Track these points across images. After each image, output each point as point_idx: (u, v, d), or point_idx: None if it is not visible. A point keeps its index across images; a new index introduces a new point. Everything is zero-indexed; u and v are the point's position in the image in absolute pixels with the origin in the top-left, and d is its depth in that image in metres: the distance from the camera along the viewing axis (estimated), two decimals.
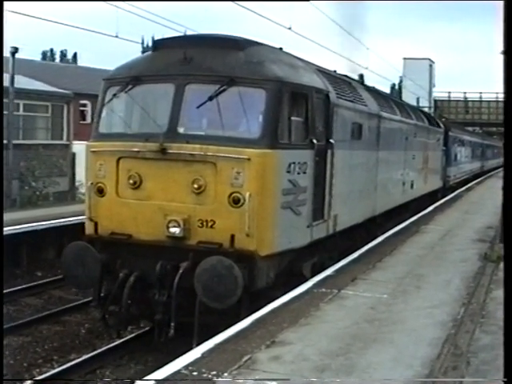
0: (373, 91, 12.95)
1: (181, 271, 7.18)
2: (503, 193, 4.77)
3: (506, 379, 3.80)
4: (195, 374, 4.88)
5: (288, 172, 7.51)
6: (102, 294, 7.85)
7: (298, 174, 7.72)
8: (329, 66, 11.53)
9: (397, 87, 67.31)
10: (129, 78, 7.86)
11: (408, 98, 44.74)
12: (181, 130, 7.48)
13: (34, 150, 21.30)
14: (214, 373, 4.88)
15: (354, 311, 6.76)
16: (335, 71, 11.43)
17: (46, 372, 7.44)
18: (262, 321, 6.33)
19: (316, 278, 8.23)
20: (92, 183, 7.80)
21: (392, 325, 6.32)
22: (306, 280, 8.24)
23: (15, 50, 17.42)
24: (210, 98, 7.37)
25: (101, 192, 7.75)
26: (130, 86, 7.85)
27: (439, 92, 59.03)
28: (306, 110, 7.97)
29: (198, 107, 7.44)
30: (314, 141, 8.04)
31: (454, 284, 8.29)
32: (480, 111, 52.52)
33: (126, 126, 7.96)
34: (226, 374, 4.86)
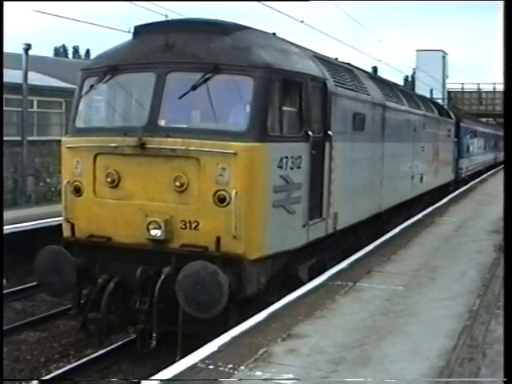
0: (378, 80, 12.24)
1: (162, 277, 6.59)
2: (504, 189, 4.42)
3: (506, 379, 3.72)
4: (211, 367, 4.85)
5: (279, 167, 6.87)
6: (81, 301, 7.31)
7: (291, 169, 7.07)
8: (343, 58, 11.22)
9: (410, 79, 66.64)
10: (107, 67, 7.25)
11: (421, 89, 44.36)
12: (162, 122, 6.86)
13: (48, 147, 21.06)
14: (231, 366, 4.84)
15: (369, 303, 6.71)
16: (336, 59, 10.75)
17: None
18: (278, 314, 6.28)
19: (331, 271, 8.20)
20: (68, 182, 7.22)
21: (407, 317, 6.27)
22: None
23: (28, 47, 17.08)
24: (194, 88, 6.74)
25: (78, 191, 7.16)
26: (108, 77, 7.25)
27: (453, 83, 58.53)
28: (300, 99, 7.31)
29: (180, 98, 6.81)
30: (310, 133, 7.38)
31: (470, 275, 8.19)
32: (494, 102, 51.50)
33: (104, 120, 7.39)
34: (242, 368, 4.83)
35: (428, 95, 35.61)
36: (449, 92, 55.54)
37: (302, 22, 19.05)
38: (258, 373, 4.72)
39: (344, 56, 11.15)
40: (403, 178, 13.31)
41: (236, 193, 6.39)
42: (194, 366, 4.87)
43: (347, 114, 8.97)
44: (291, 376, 4.67)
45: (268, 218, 6.73)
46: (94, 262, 7.10)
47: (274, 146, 6.77)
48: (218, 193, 6.48)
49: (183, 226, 6.64)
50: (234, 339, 5.52)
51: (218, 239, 6.46)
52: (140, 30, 7.50)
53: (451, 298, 7.00)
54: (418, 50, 67.15)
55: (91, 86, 7.34)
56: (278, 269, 7.22)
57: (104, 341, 7.52)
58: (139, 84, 7.22)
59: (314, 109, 7.64)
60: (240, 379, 4.59)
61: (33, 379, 7.05)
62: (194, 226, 6.60)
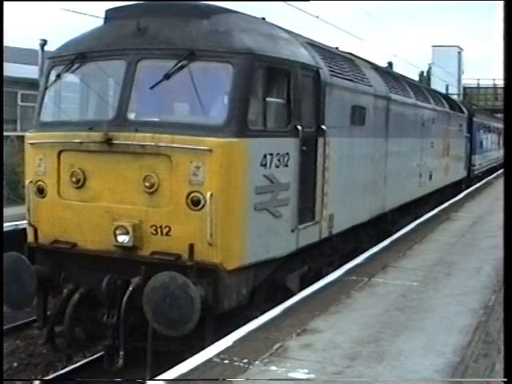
0: (382, 71, 11.43)
1: (131, 288, 5.89)
2: (504, 190, 4.29)
3: (506, 379, 3.69)
4: (226, 362, 4.83)
5: (263, 165, 6.12)
6: (48, 312, 6.64)
7: (277, 167, 6.33)
8: (358, 53, 10.79)
9: (425, 75, 66.06)
10: (74, 55, 6.55)
11: (437, 85, 44.04)
12: (131, 116, 6.15)
13: None
14: (246, 361, 4.82)
15: (384, 299, 6.69)
16: (337, 48, 9.97)
17: None
18: (293, 309, 6.24)
19: (346, 266, 8.19)
20: (31, 181, 6.54)
21: (422, 312, 6.25)
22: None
23: (44, 43, 16.62)
24: (166, 77, 6.03)
25: (41, 192, 6.48)
26: (75, 65, 6.55)
27: (468, 79, 58.02)
28: (288, 89, 6.55)
29: (151, 88, 6.10)
30: (299, 127, 6.63)
31: (485, 271, 8.13)
32: None
33: (70, 113, 6.67)
34: (257, 362, 4.81)
35: (444, 91, 34.97)
36: (464, 88, 55.31)
37: (317, 17, 18.77)
38: (273, 367, 4.71)
39: (360, 51, 10.64)
40: (410, 175, 12.50)
41: (211, 195, 5.67)
42: (209, 361, 4.86)
43: (345, 107, 8.20)
44: (307, 371, 4.64)
45: (249, 222, 5.99)
46: (58, 270, 6.43)
47: (255, 142, 6.03)
48: (192, 195, 5.76)
49: (154, 232, 5.94)
50: (249, 334, 5.48)
51: (192, 247, 5.75)
52: (112, 14, 6.79)
53: (466, 293, 6.94)
54: (433, 46, 67.17)
55: (57, 76, 6.65)
56: (262, 279, 6.49)
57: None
58: (108, 73, 6.50)
59: (304, 100, 6.88)
60: (247, 379, 4.52)
61: (33, 379, 6.68)
62: (165, 231, 5.90)
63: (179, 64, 5.99)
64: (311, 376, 4.58)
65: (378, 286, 7.22)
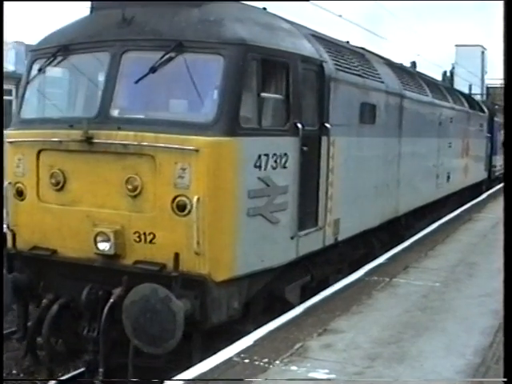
0: (396, 67, 10.81)
1: (112, 300, 5.41)
2: (504, 190, 3.95)
3: (505, 379, 3.64)
4: (247, 361, 4.82)
5: (257, 167, 5.59)
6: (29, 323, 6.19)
7: (274, 169, 5.79)
8: (382, 53, 10.61)
9: (448, 74, 65.46)
10: (57, 47, 6.08)
11: (460, 85, 43.53)
12: (114, 112, 5.66)
13: None
14: (266, 360, 4.82)
15: (405, 299, 6.70)
16: (348, 42, 9.40)
17: None
18: (314, 309, 6.24)
19: (368, 267, 8.20)
20: (10, 183, 6.08)
21: (444, 313, 6.26)
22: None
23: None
24: (152, 70, 5.52)
25: (20, 194, 6.03)
26: (58, 58, 6.08)
27: (491, 79, 57.30)
28: (287, 83, 6.01)
29: (136, 82, 5.60)
30: (299, 125, 6.09)
31: None
32: None
33: (52, 110, 6.20)
34: (277, 362, 4.80)
35: (467, 91, 34.36)
36: (487, 87, 54.66)
37: (340, 16, 18.52)
38: (293, 367, 4.69)
39: (383, 50, 10.21)
40: (426, 177, 11.87)
41: (198, 199, 5.15)
42: (229, 360, 4.84)
43: (352, 104, 7.63)
44: (327, 371, 4.63)
45: (240, 229, 5.46)
46: (38, 279, 5.98)
47: (248, 141, 5.50)
48: (177, 199, 5.26)
49: (137, 239, 5.44)
50: (270, 333, 5.45)
51: (177, 256, 5.23)
52: (98, 4, 6.30)
53: (488, 294, 6.88)
54: (457, 45, 66.56)
55: (39, 70, 6.18)
56: (257, 290, 5.96)
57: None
58: (92, 66, 6.01)
59: (306, 96, 6.34)
60: (266, 379, 4.49)
61: (33, 379, 6.38)
62: (149, 238, 5.40)
63: (166, 56, 5.49)
64: (332, 376, 4.56)
65: (400, 286, 7.24)
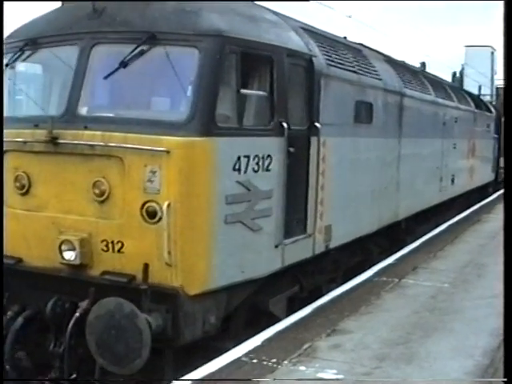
0: (397, 64, 10.33)
1: (77, 314, 4.98)
2: (504, 190, 3.82)
3: (506, 379, 3.62)
4: (255, 361, 4.82)
5: (236, 170, 5.14)
6: None
7: (255, 172, 5.34)
8: (392, 54, 10.38)
9: (458, 75, 65.01)
10: (24, 41, 5.67)
11: (470, 86, 43.12)
12: (82, 110, 5.23)
13: None
14: (274, 360, 4.82)
15: (414, 300, 6.72)
16: (345, 37, 8.94)
17: None
18: (323, 309, 6.25)
19: (377, 267, 8.21)
20: None
21: (453, 314, 6.26)
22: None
23: None
24: (123, 64, 5.10)
25: None
26: (25, 53, 5.67)
27: (501, 80, 56.83)
28: (271, 79, 5.56)
29: (106, 77, 5.18)
30: (284, 124, 5.64)
31: None
32: None
33: (17, 108, 5.79)
34: (285, 362, 4.80)
35: (476, 92, 33.89)
36: (497, 88, 54.38)
37: (349, 17, 18.65)
38: (302, 367, 4.69)
39: (392, 51, 9.80)
40: (428, 180, 11.37)
41: (168, 205, 4.72)
42: (237, 360, 4.84)
43: (346, 102, 7.17)
44: (335, 371, 4.62)
45: (217, 238, 5.01)
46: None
47: (226, 142, 5.05)
48: (147, 204, 4.82)
49: (104, 248, 5.01)
50: (278, 334, 5.46)
51: (147, 267, 4.80)
52: None
53: (497, 295, 6.72)
54: (466, 46, 66.17)
55: (6, 65, 5.76)
56: (238, 303, 5.51)
57: None
58: (59, 61, 5.58)
59: (293, 93, 5.89)
60: (274, 379, 4.47)
61: (34, 380, 5.82)
62: (117, 247, 4.97)
63: (138, 49, 5.06)
64: (340, 376, 4.54)
65: (408, 287, 7.25)
